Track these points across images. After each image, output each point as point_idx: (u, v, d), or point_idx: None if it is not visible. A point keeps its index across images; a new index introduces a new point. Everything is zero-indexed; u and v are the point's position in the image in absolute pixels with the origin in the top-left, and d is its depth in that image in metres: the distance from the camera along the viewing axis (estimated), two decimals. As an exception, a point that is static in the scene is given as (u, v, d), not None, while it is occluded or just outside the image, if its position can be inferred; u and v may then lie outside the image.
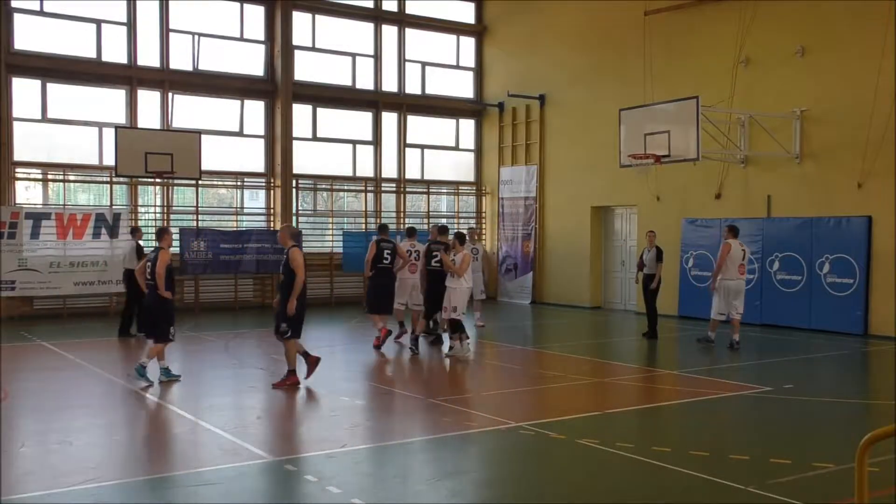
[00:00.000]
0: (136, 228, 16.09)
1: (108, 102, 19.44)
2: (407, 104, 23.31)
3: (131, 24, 19.60)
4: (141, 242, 15.11)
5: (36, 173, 19.06)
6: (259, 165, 21.30)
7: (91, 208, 18.87)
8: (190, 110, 20.22)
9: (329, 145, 22.37)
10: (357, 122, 22.73)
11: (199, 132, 18.85)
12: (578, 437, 7.90)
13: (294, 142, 21.11)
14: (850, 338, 15.15)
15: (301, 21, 21.58)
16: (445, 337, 13.73)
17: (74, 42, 19.01)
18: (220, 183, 21.26)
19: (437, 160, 24.11)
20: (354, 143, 22.71)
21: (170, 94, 19.91)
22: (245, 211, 21.54)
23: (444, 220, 23.95)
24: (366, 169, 22.91)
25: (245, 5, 20.95)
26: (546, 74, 22.22)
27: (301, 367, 10.49)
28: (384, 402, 9.99)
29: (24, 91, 18.50)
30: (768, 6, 17.07)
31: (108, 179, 19.27)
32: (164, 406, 9.48)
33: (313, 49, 21.94)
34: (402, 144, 23.36)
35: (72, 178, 19.46)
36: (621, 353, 14.59)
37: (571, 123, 21.51)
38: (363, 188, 22.90)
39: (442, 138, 24.22)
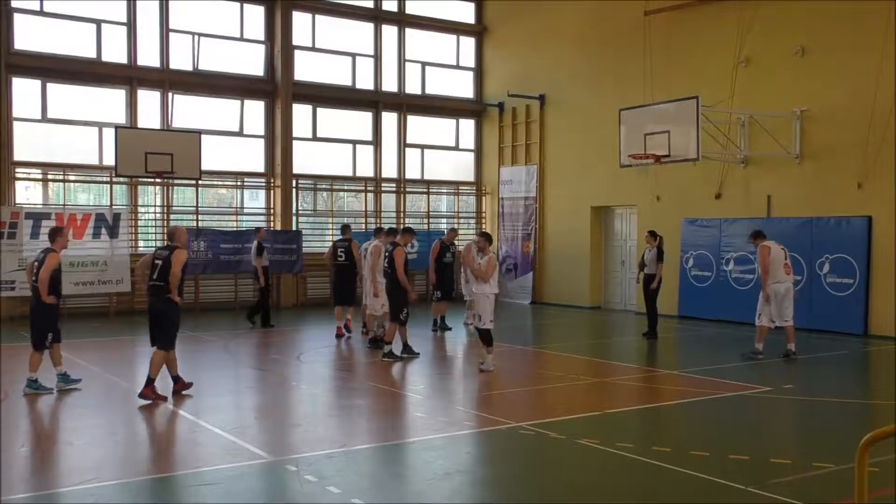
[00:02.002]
0: (258, 229, 17.36)
1: (108, 102, 19.44)
2: (407, 104, 23.30)
3: (131, 24, 19.60)
4: (263, 242, 16.40)
5: (36, 173, 19.05)
6: (259, 165, 21.31)
7: (91, 208, 18.86)
8: (190, 110, 20.21)
9: (329, 145, 22.37)
10: (357, 122, 22.73)
11: (199, 132, 18.84)
12: (578, 437, 7.90)
13: (294, 142, 21.12)
14: (850, 338, 15.14)
15: (301, 21, 21.57)
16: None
17: (74, 42, 19.00)
18: (220, 183, 21.25)
19: (437, 160, 24.11)
20: (354, 143, 22.70)
21: (170, 94, 19.90)
22: (245, 211, 21.53)
23: (444, 221, 24.00)
24: (366, 169, 22.91)
25: (245, 5, 20.95)
26: (546, 74, 22.21)
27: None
28: (384, 402, 9.98)
29: (24, 91, 18.50)
30: (768, 6, 17.06)
31: (108, 179, 19.28)
32: (164, 406, 9.47)
33: (313, 49, 21.93)
34: (402, 144, 23.35)
35: (72, 178, 19.45)
36: (621, 353, 14.58)
37: (571, 123, 21.50)
38: (363, 188, 22.90)
39: (442, 138, 24.21)
